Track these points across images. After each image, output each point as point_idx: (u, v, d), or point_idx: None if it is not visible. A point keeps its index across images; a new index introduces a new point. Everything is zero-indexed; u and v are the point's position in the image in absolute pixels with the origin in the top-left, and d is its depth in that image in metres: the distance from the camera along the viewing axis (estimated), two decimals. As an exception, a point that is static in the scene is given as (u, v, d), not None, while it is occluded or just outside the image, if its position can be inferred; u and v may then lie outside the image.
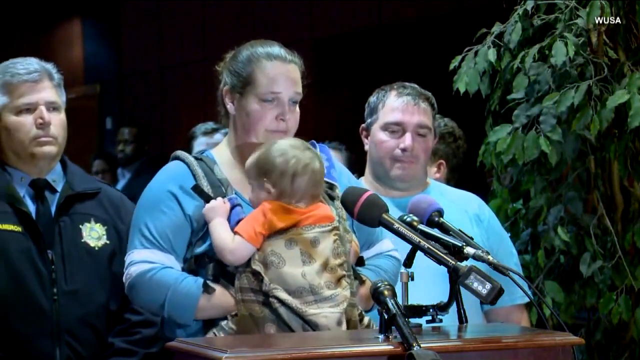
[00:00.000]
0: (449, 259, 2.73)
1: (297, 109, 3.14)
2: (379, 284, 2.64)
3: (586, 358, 4.13)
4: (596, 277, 4.02)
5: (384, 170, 3.65)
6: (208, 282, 2.97)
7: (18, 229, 3.37)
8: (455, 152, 4.61)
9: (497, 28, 4.19)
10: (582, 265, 4.02)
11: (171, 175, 3.10)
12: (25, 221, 3.39)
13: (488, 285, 2.64)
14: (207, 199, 3.02)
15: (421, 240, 2.78)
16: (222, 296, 2.96)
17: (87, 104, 11.43)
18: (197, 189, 3.04)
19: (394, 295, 2.62)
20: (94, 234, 3.45)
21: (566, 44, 3.92)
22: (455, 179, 4.60)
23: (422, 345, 2.46)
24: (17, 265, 3.34)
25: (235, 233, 2.93)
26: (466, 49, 4.20)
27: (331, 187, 3.13)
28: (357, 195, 2.92)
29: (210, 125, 5.73)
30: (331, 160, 3.19)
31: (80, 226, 3.44)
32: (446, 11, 7.92)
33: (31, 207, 3.42)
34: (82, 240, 3.43)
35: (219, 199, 3.02)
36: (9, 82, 3.43)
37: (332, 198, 3.11)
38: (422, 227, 2.87)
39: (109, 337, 3.44)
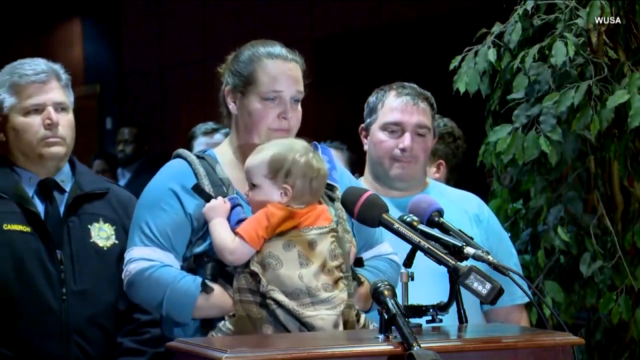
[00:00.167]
0: (449, 259, 2.73)
1: (300, 107, 3.14)
2: (379, 284, 2.64)
3: (586, 358, 4.13)
4: (596, 277, 4.01)
5: (384, 170, 3.65)
6: (207, 281, 2.96)
7: (27, 229, 3.37)
8: (455, 152, 4.61)
9: (497, 28, 4.19)
10: (582, 265, 4.02)
11: (173, 173, 3.10)
12: (34, 221, 3.38)
13: (488, 285, 2.64)
14: (207, 198, 3.02)
15: (421, 240, 2.78)
16: (220, 296, 2.95)
17: (87, 104, 11.42)
18: (198, 188, 3.04)
19: (394, 295, 2.62)
20: (102, 234, 3.45)
21: (566, 44, 3.92)
22: (455, 179, 4.59)
23: (422, 345, 2.46)
24: (26, 265, 3.34)
25: (236, 234, 2.92)
26: (466, 49, 4.20)
27: (331, 188, 3.12)
28: (357, 195, 2.92)
29: (210, 125, 5.73)
30: (332, 162, 3.18)
31: (89, 226, 3.45)
32: (446, 11, 7.92)
33: (40, 208, 3.42)
34: (91, 240, 3.43)
35: (220, 198, 3.01)
36: (17, 83, 3.43)
37: (332, 199, 3.11)
38: (422, 227, 2.87)
39: (117, 337, 3.44)
